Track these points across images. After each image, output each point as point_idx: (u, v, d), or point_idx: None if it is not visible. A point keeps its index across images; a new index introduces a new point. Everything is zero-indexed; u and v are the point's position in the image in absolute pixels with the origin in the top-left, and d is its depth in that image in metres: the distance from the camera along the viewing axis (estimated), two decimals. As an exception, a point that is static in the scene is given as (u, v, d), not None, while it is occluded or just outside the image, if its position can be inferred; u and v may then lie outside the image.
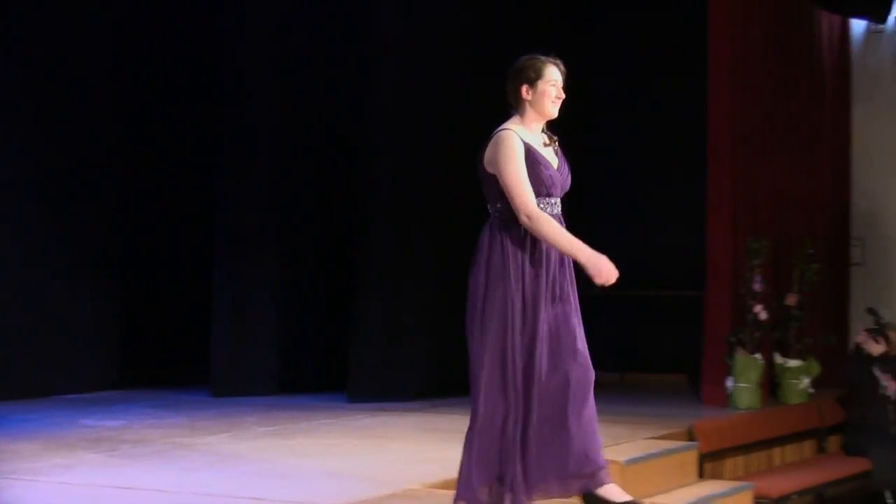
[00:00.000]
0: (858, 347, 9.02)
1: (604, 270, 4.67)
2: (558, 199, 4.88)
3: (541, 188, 4.81)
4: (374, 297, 8.77)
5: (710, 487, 6.73)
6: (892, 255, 10.45)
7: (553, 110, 4.95)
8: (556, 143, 4.95)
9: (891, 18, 10.31)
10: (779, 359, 8.87)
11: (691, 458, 6.87)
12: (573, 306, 4.80)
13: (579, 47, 9.56)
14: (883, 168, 10.49)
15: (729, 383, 8.39)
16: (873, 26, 10.42)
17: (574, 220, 4.99)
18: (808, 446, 8.68)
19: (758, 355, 8.47)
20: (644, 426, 7.24)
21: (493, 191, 4.82)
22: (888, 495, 8.55)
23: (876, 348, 8.92)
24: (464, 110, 8.48)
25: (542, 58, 5.00)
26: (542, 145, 4.92)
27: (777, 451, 8.29)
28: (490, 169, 4.82)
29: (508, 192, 4.76)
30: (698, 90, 8.84)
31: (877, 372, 8.84)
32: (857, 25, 10.51)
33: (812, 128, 9.89)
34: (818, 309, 9.46)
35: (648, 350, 10.55)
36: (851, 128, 10.53)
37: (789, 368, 8.88)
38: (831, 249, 10.10)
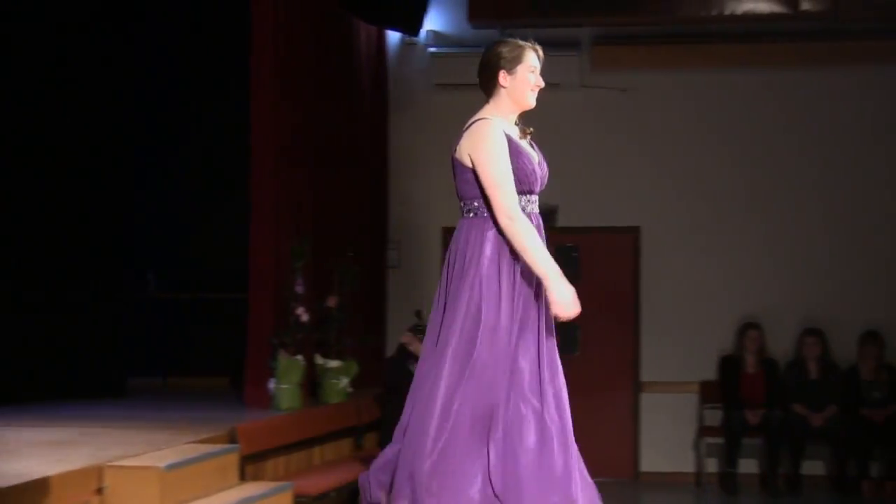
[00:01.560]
0: (402, 347, 9.33)
1: (570, 305, 4.35)
2: (536, 195, 4.55)
3: (523, 185, 4.45)
4: None
5: (251, 489, 6.75)
6: (425, 257, 10.98)
7: (532, 100, 4.59)
8: (531, 136, 4.57)
9: (423, 31, 10.85)
10: (319, 359, 9.04)
11: (232, 460, 6.86)
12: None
13: (122, 52, 9.39)
14: (417, 175, 11.00)
15: (271, 385, 8.46)
16: (407, 38, 10.91)
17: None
18: (345, 444, 8.93)
19: (299, 357, 8.57)
20: (185, 430, 7.14)
21: (471, 186, 4.43)
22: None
23: (419, 348, 9.27)
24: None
25: (521, 42, 4.60)
26: (520, 137, 4.55)
27: (317, 451, 8.44)
28: (468, 162, 4.41)
29: (490, 188, 4.38)
30: (242, 97, 8.86)
31: (413, 370, 9.18)
32: (393, 37, 10.96)
33: (352, 136, 10.17)
34: (358, 310, 9.73)
35: (192, 353, 10.50)
36: (388, 136, 10.97)
37: (329, 369, 9.05)
38: (370, 253, 10.45)
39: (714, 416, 10.62)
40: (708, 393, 10.68)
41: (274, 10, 8.74)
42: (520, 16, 10.16)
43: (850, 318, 10.43)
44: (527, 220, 4.37)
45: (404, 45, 10.97)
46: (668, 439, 10.74)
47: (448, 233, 10.91)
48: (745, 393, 10.30)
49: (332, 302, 9.19)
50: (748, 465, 10.42)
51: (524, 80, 4.51)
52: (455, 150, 4.50)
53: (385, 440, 9.09)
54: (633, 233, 10.90)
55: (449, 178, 11.47)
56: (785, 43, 10.44)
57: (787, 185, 10.66)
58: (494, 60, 4.51)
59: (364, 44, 10.42)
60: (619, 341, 10.91)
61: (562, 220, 10.91)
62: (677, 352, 10.72)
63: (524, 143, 4.53)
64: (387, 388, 9.35)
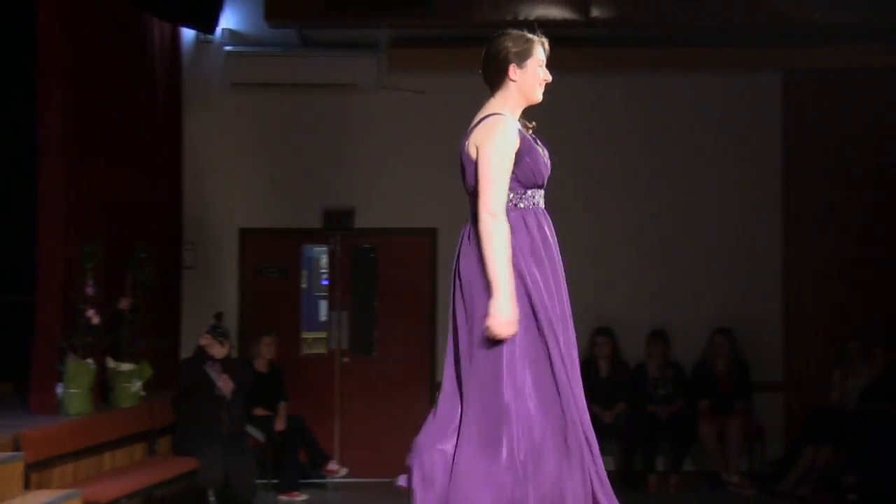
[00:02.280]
0: (200, 349, 9.19)
1: (505, 326, 4.18)
2: (541, 192, 4.45)
3: (537, 179, 4.38)
4: None
5: (36, 498, 6.54)
6: (222, 258, 10.84)
7: (540, 94, 4.47)
8: (533, 130, 4.43)
9: (218, 29, 10.69)
10: (111, 363, 8.83)
11: (16, 469, 6.63)
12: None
13: None
14: (211, 174, 10.85)
15: (59, 389, 8.21)
16: (203, 36, 10.74)
17: None
18: (138, 449, 8.74)
19: (90, 360, 8.35)
20: (-33, 439, 6.89)
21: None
22: (211, 493, 8.81)
23: (220, 350, 9.17)
24: None
25: (529, 35, 4.46)
26: (528, 131, 4.46)
27: (108, 456, 8.24)
28: (475, 155, 4.29)
29: (484, 182, 4.24)
30: (30, 95, 8.56)
31: (212, 373, 9.09)
32: (188, 35, 10.77)
33: (146, 134, 9.97)
34: (151, 312, 9.54)
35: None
36: (183, 135, 10.79)
37: (121, 372, 8.85)
38: (164, 253, 10.26)
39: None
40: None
41: (61, 5, 8.49)
42: (316, 16, 10.13)
43: (638, 318, 10.74)
44: (506, 226, 4.28)
45: (199, 44, 10.80)
46: (465, 438, 10.83)
47: (246, 234, 10.91)
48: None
49: (124, 304, 9.00)
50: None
51: (534, 74, 4.44)
52: (464, 144, 4.43)
53: (181, 443, 8.95)
54: (430, 234, 10.99)
55: (247, 177, 11.40)
56: (576, 48, 10.68)
57: (582, 189, 10.89)
58: (503, 55, 4.43)
59: (158, 41, 10.22)
60: (416, 341, 10.97)
61: (359, 222, 10.94)
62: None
63: (531, 139, 4.48)
64: (182, 390, 9.20)
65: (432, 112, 10.86)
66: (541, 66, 4.44)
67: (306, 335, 11.13)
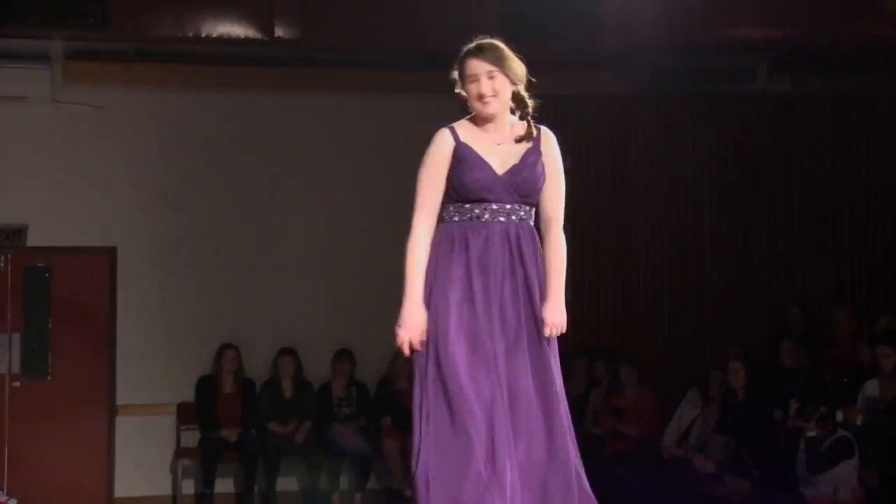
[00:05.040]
0: None
1: (402, 336, 4.25)
2: (503, 205, 4.33)
3: (469, 193, 4.31)
4: None
5: None
6: None
7: (484, 109, 4.33)
8: (529, 140, 4.27)
9: None
10: None
11: None
12: None
13: None
14: None
15: None
16: None
17: None
18: None
19: None
20: None
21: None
22: None
23: None
24: None
25: (465, 48, 4.40)
26: (495, 144, 4.34)
27: None
28: None
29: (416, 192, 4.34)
30: None
31: None
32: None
33: None
34: None
35: None
36: None
37: None
38: None
39: (192, 438, 10.59)
40: (185, 414, 10.63)
41: None
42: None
43: (324, 337, 10.77)
44: (419, 242, 4.35)
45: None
46: (145, 462, 10.58)
47: None
48: (222, 413, 10.35)
49: None
50: (225, 485, 10.47)
51: (470, 95, 4.42)
52: None
53: None
54: (109, 253, 10.65)
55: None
56: (260, 67, 10.65)
57: (268, 205, 10.84)
58: (454, 77, 4.49)
59: None
60: (94, 364, 10.61)
61: (31, 240, 10.50)
62: (154, 374, 10.58)
63: (498, 149, 4.40)
64: None
65: (110, 127, 10.55)
66: (473, 82, 4.40)
67: (-28, 359, 10.56)
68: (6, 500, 9.60)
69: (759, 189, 11.57)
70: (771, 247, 11.55)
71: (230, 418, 10.31)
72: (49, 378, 10.53)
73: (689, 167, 11.51)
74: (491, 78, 4.38)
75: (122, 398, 10.63)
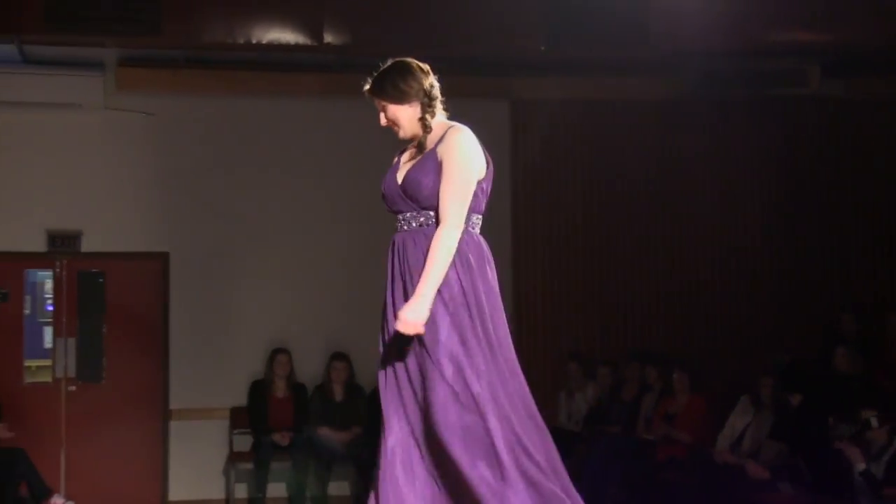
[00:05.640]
0: None
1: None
2: (404, 214, 4.45)
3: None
4: None
5: None
6: None
7: (399, 135, 4.53)
8: (424, 149, 4.34)
9: None
10: None
11: None
12: None
13: None
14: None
15: None
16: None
17: None
18: None
19: None
20: None
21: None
22: None
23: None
24: None
25: None
26: (410, 158, 4.48)
27: None
28: None
29: None
30: None
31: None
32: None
33: None
34: None
35: None
36: None
37: None
38: None
39: (244, 442, 10.65)
40: (238, 418, 10.70)
41: None
42: (34, 30, 9.67)
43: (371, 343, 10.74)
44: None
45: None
46: (198, 466, 10.65)
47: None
48: (274, 417, 10.39)
49: None
50: (277, 489, 10.51)
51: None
52: None
53: None
54: (160, 258, 10.74)
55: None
56: (308, 73, 10.69)
57: (312, 212, 10.89)
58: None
59: None
60: (147, 368, 10.70)
61: (86, 246, 10.59)
62: (207, 378, 10.66)
63: (409, 161, 4.52)
64: None
65: (162, 133, 10.65)
66: (379, 112, 4.60)
67: (29, 363, 10.67)
68: (63, 503, 9.69)
69: (810, 193, 11.48)
70: (823, 251, 11.46)
71: (282, 422, 10.36)
72: (104, 382, 10.63)
73: (739, 171, 11.44)
74: (382, 110, 4.54)
75: (175, 402, 10.71)
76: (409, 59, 4.57)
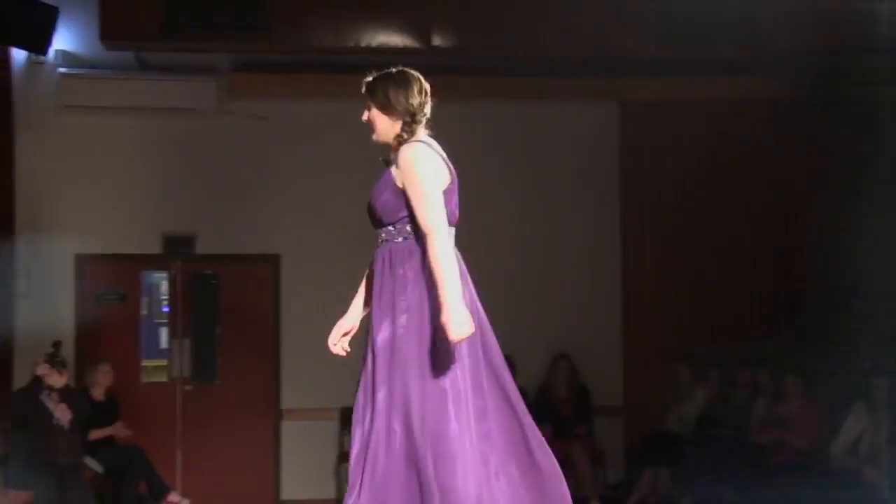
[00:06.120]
0: (36, 378, 8.96)
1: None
2: (382, 229, 4.50)
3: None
4: None
5: None
6: (58, 286, 10.54)
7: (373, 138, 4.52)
8: (392, 163, 4.35)
9: (52, 50, 10.39)
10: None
11: None
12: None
13: None
14: (46, 200, 10.54)
15: None
16: (35, 57, 10.42)
17: None
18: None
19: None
20: None
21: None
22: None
23: (58, 380, 8.96)
24: None
25: None
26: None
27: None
28: None
29: None
30: None
31: (49, 403, 8.86)
32: (19, 55, 10.45)
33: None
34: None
35: None
36: (15, 158, 10.46)
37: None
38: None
39: (354, 442, 10.72)
40: (348, 419, 10.74)
41: None
42: (153, 38, 9.93)
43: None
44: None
45: (31, 64, 10.49)
46: (310, 466, 10.77)
47: (83, 259, 10.60)
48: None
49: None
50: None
51: None
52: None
53: (15, 475, 8.64)
54: (272, 261, 10.89)
55: (82, 202, 11.11)
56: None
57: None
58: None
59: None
60: (260, 369, 10.85)
61: (200, 248, 10.78)
62: (318, 378, 10.74)
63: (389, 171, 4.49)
64: (15, 421, 8.94)
65: (273, 138, 10.79)
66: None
67: (146, 363, 10.91)
68: (179, 501, 9.87)
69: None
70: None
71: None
72: (218, 382, 10.81)
73: (848, 169, 11.21)
74: (367, 108, 4.57)
75: (286, 402, 10.85)
76: (414, 74, 4.61)
